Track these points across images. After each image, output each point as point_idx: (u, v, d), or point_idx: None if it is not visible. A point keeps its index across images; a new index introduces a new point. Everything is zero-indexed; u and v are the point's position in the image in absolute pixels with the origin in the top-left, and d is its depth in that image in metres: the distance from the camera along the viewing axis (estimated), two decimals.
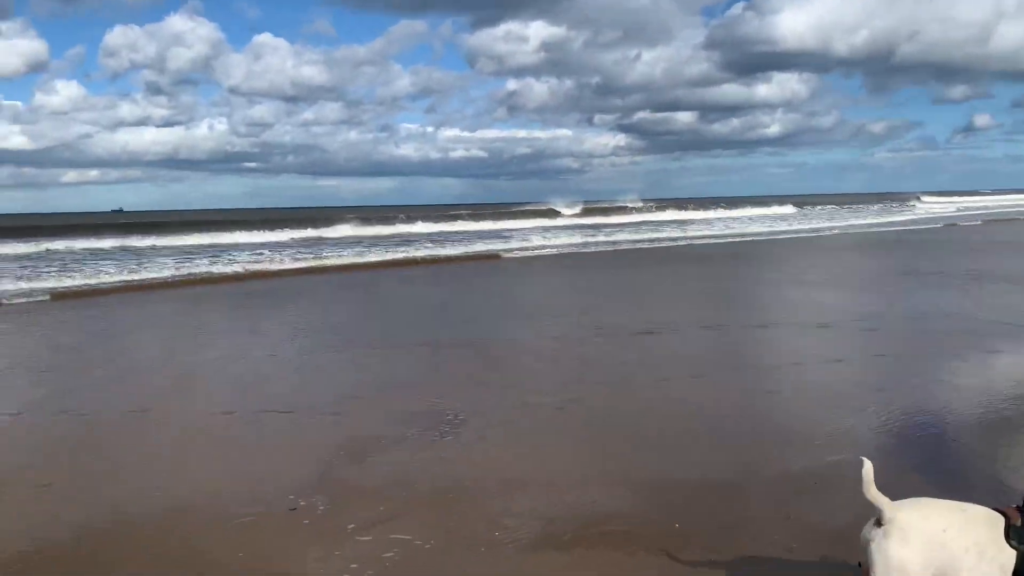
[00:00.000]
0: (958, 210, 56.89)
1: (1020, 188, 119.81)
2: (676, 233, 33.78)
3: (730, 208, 56.63)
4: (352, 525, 4.18)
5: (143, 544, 4.07)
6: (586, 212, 55.31)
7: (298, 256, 23.99)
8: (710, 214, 51.35)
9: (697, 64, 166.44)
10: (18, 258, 24.75)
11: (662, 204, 63.66)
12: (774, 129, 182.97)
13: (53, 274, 19.50)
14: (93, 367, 8.92)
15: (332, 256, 24.01)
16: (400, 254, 24.76)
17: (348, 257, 23.77)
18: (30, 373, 8.82)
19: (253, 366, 8.58)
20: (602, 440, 5.50)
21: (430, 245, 28.51)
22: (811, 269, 18.27)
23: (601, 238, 31.44)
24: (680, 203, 66.33)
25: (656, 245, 27.86)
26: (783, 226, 39.59)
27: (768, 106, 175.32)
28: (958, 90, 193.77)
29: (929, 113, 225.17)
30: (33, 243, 28.47)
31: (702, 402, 6.48)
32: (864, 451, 3.00)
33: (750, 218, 48.60)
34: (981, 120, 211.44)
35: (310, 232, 33.82)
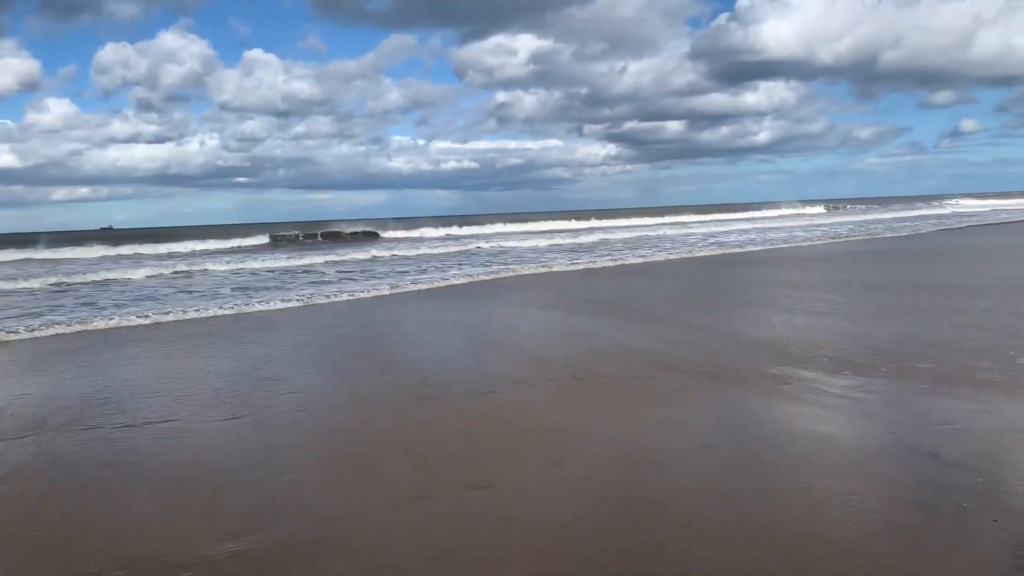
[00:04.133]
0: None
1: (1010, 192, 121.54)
2: None
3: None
4: None
5: None
6: None
7: None
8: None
9: (684, 74, 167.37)
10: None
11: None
12: (763, 137, 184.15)
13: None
14: None
15: None
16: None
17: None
18: None
19: None
20: None
21: None
22: None
23: None
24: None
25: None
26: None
27: (756, 114, 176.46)
28: (943, 95, 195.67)
29: (916, 118, 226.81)
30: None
31: None
32: None
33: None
34: (967, 125, 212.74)
35: None
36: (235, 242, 41.28)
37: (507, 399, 7.32)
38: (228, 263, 27.18)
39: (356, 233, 48.71)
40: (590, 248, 31.14)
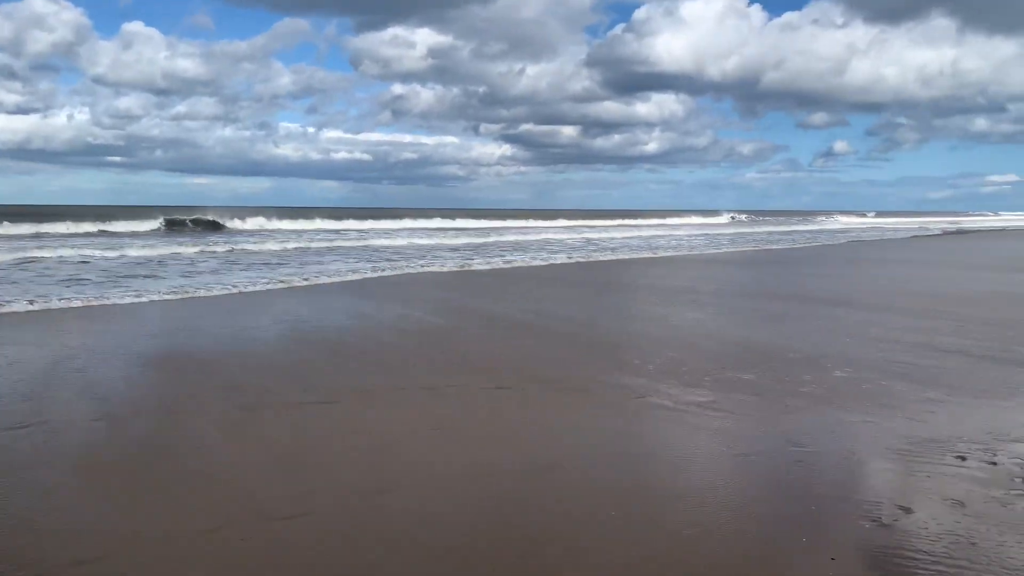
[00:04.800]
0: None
1: (879, 210, 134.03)
2: None
3: None
4: None
5: None
6: None
7: None
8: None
9: (580, 81, 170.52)
10: None
11: None
12: (652, 147, 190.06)
13: None
14: None
15: None
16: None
17: None
18: None
19: None
20: None
21: None
22: None
23: None
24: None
25: None
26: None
27: (647, 124, 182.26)
28: (818, 117, 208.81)
29: (793, 137, 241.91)
30: None
31: None
32: None
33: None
34: (840, 146, 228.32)
35: None
36: (116, 225, 38.29)
37: (345, 411, 6.70)
38: (100, 247, 25.31)
39: (206, 219, 45.71)
40: (477, 248, 30.69)
